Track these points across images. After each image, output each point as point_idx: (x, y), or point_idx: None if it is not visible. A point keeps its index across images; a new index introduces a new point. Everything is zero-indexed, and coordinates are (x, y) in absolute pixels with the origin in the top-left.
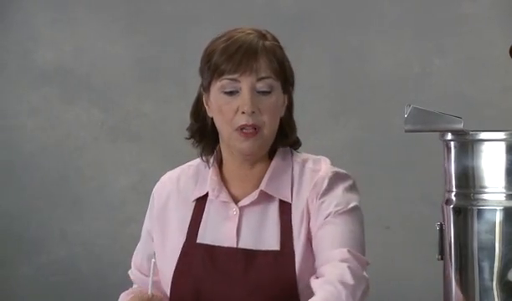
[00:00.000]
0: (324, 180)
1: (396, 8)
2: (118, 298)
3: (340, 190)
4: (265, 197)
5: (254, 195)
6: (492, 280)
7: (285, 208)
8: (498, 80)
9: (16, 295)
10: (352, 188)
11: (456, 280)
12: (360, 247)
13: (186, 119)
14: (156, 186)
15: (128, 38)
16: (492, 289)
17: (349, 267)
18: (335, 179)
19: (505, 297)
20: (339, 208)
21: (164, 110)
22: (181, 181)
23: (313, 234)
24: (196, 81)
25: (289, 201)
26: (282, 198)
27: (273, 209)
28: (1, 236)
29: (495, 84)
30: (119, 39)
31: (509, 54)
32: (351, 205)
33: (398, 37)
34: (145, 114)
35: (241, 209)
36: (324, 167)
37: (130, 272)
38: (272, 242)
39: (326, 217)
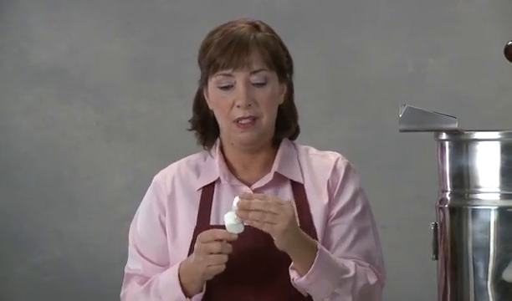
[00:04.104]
0: (341, 167)
1: (390, 8)
2: (114, 297)
3: (353, 188)
4: (278, 180)
5: (268, 177)
6: (486, 280)
7: (298, 189)
8: (493, 80)
9: (11, 295)
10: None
11: (451, 280)
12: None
13: (181, 118)
14: (156, 178)
15: (123, 37)
16: (486, 289)
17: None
18: (351, 172)
19: (500, 296)
20: (356, 211)
21: (159, 110)
22: (182, 172)
23: (330, 220)
24: (192, 81)
25: (301, 182)
26: (295, 179)
27: (286, 190)
28: None
29: (491, 83)
30: (114, 39)
31: (504, 54)
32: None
33: (393, 37)
34: (140, 113)
35: (254, 192)
36: (331, 153)
37: (130, 266)
38: None
39: (341, 214)
